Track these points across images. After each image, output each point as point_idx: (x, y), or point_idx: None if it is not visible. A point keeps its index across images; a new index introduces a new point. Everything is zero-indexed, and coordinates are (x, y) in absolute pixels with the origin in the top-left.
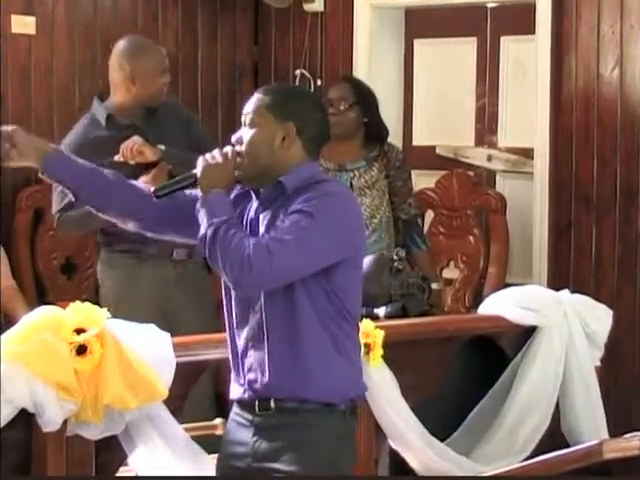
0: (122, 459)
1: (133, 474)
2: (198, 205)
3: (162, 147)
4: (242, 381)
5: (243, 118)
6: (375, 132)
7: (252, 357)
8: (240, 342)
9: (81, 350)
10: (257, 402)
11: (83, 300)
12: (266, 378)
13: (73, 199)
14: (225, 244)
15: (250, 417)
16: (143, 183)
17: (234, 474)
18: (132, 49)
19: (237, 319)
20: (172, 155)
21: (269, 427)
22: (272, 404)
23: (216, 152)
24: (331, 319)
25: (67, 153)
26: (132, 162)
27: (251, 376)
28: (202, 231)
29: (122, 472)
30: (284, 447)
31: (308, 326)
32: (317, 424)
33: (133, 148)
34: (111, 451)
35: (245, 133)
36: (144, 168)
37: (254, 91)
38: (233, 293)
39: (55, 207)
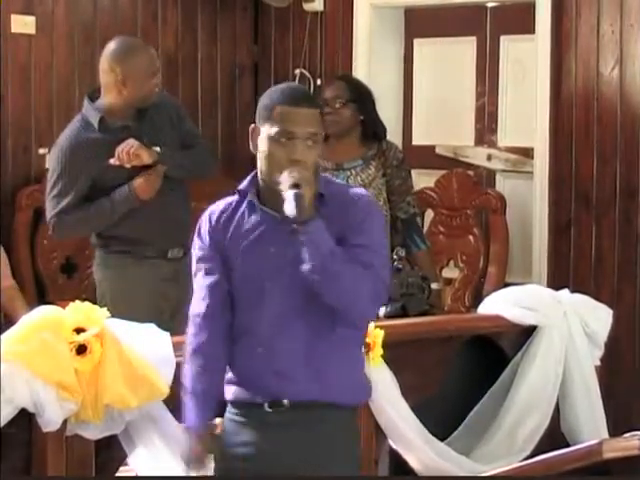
0: (122, 459)
1: (133, 474)
2: (301, 237)
3: (157, 149)
4: (249, 383)
5: (300, 134)
6: (372, 130)
7: (264, 360)
8: (250, 346)
9: (81, 350)
10: (268, 402)
11: (83, 299)
12: (281, 381)
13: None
14: (341, 277)
15: (259, 416)
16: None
17: (240, 476)
18: (122, 51)
19: (246, 324)
20: (168, 157)
21: (280, 424)
22: (285, 402)
23: (299, 177)
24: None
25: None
26: (128, 165)
27: (264, 378)
28: (310, 264)
29: (122, 472)
30: (301, 442)
31: (325, 332)
32: (329, 420)
33: (130, 151)
34: (111, 451)
35: (310, 152)
36: (139, 170)
37: (255, 90)
38: (244, 302)
39: (50, 212)
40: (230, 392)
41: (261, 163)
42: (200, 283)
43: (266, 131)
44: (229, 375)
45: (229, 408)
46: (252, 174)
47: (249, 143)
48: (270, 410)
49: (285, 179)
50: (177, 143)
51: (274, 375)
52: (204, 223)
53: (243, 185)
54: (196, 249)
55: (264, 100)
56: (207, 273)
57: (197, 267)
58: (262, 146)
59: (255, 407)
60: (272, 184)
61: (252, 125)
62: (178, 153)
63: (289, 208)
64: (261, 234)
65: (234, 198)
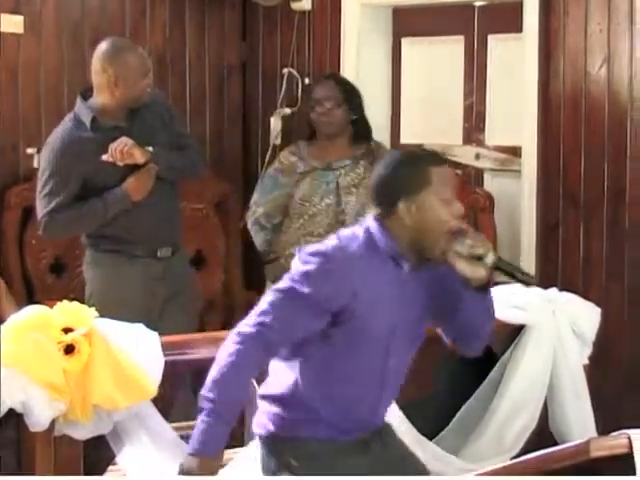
0: (110, 459)
1: (121, 474)
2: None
3: (150, 149)
4: (354, 419)
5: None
6: (362, 130)
7: (375, 399)
8: (364, 387)
9: (69, 349)
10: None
11: (71, 299)
12: (384, 412)
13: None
14: None
15: (363, 440)
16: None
17: None
18: (114, 52)
19: (361, 367)
20: (161, 157)
21: (379, 436)
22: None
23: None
24: None
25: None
26: (120, 163)
27: (373, 414)
28: (490, 315)
29: (110, 471)
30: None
31: None
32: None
33: (123, 150)
34: (99, 451)
35: None
36: (131, 171)
37: (243, 89)
38: (363, 348)
39: (41, 211)
40: (327, 429)
41: (426, 229)
42: (298, 314)
43: (429, 197)
44: (320, 414)
45: (313, 445)
46: (382, 234)
47: (400, 221)
48: (368, 436)
49: (473, 245)
50: (168, 143)
51: (379, 409)
52: (336, 266)
53: (390, 249)
54: (315, 283)
55: (408, 169)
56: (313, 311)
57: (304, 299)
58: (429, 214)
59: (357, 439)
60: (434, 246)
61: (401, 204)
62: (170, 154)
63: (480, 272)
64: (397, 287)
65: (356, 246)
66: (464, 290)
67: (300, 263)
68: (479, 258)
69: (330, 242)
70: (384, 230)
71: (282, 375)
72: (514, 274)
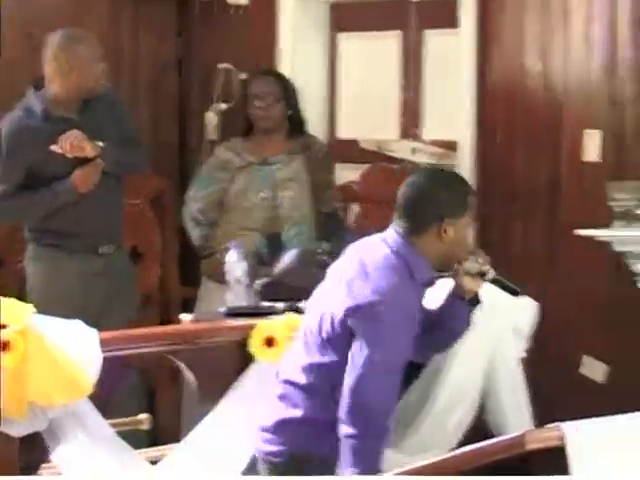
0: (46, 456)
1: (56, 472)
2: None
3: (101, 144)
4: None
5: None
6: (298, 125)
7: None
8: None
9: (4, 346)
10: None
11: (6, 295)
12: None
13: None
14: None
15: None
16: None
17: None
18: (66, 40)
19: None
20: (109, 154)
21: None
22: None
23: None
24: None
25: None
26: (69, 155)
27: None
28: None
29: (44, 469)
30: None
31: None
32: None
33: (73, 142)
34: (35, 448)
35: None
36: (79, 163)
37: (179, 85)
38: None
39: None
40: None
41: (455, 250)
42: (393, 376)
43: (466, 221)
44: None
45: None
46: (416, 258)
47: (437, 241)
48: None
49: (483, 264)
50: (117, 139)
51: None
52: (397, 310)
53: (427, 278)
54: (393, 339)
55: (455, 192)
56: (400, 364)
57: (391, 359)
58: (462, 236)
59: None
60: (454, 264)
61: (442, 224)
62: (118, 150)
63: (478, 286)
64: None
65: (401, 280)
66: (456, 301)
67: (369, 321)
68: (482, 274)
69: (377, 283)
70: (413, 250)
71: (302, 400)
72: (508, 286)
